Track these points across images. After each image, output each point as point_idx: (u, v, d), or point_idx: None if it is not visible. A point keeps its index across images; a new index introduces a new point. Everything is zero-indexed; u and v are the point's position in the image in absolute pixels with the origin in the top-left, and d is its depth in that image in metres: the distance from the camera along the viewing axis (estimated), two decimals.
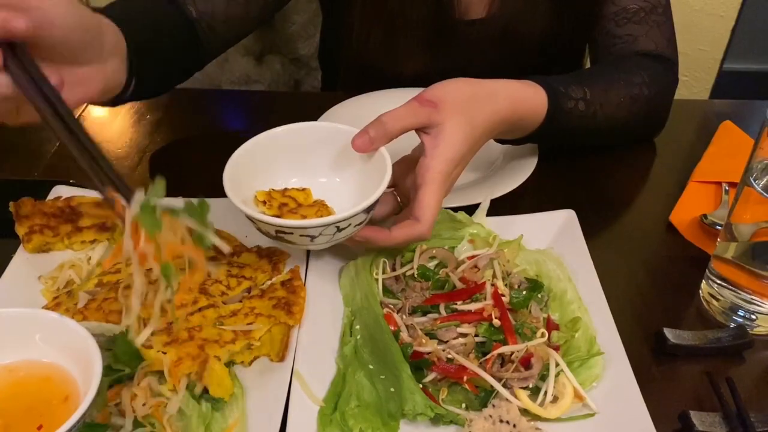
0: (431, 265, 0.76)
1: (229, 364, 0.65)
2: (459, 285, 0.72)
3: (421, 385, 0.63)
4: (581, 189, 0.94)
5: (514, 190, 0.88)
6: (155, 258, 0.57)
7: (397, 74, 1.09)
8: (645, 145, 1.04)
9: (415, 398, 0.61)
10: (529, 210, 0.83)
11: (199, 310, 0.68)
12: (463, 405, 0.63)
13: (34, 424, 0.53)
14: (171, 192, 0.87)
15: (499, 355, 0.64)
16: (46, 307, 0.68)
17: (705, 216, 0.85)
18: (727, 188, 0.91)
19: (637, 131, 1.02)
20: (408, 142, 0.77)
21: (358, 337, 0.67)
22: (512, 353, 0.64)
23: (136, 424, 0.58)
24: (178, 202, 0.62)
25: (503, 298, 0.69)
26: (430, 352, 0.64)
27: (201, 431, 0.59)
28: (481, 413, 0.61)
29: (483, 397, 0.63)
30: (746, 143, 0.97)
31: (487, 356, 0.64)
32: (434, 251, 0.77)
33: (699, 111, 1.13)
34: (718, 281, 0.74)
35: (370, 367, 0.65)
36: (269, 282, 0.74)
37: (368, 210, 0.69)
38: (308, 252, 0.77)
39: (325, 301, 0.72)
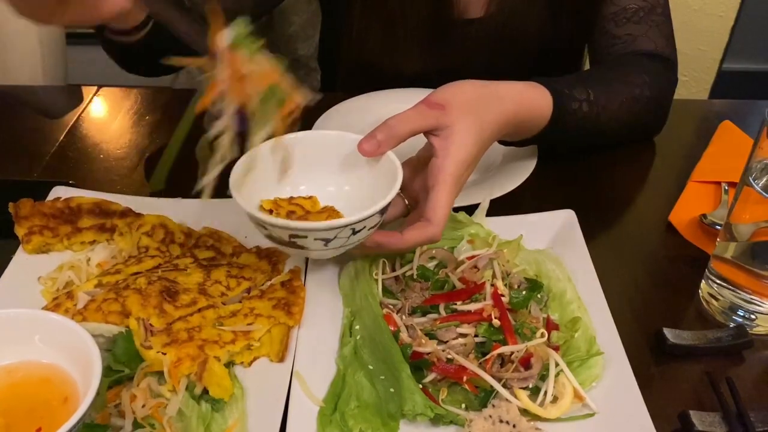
0: (431, 265, 0.76)
1: (229, 364, 0.65)
2: (459, 285, 0.72)
3: (420, 386, 0.63)
4: (581, 189, 0.94)
5: (513, 190, 0.88)
6: (245, 92, 0.60)
7: (396, 73, 1.09)
8: (644, 144, 1.04)
9: (415, 398, 0.61)
10: (528, 210, 0.83)
11: (199, 310, 0.68)
12: (463, 405, 0.63)
13: (33, 425, 0.53)
14: (170, 192, 0.88)
15: (499, 355, 0.64)
16: (45, 308, 0.68)
17: (704, 216, 0.85)
18: (726, 188, 0.91)
19: (638, 131, 1.02)
20: (413, 143, 0.76)
21: (358, 337, 0.67)
22: (512, 353, 0.64)
23: (136, 425, 0.58)
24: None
25: (503, 298, 0.69)
26: (429, 353, 0.64)
27: None
28: (481, 413, 0.61)
29: (483, 397, 0.63)
30: (745, 143, 0.97)
31: (487, 356, 0.64)
32: (434, 251, 0.77)
33: (698, 111, 1.13)
34: (718, 281, 0.74)
35: (370, 367, 0.65)
36: (269, 282, 0.74)
37: (382, 212, 0.68)
38: None
39: (324, 301, 0.72)
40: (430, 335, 0.67)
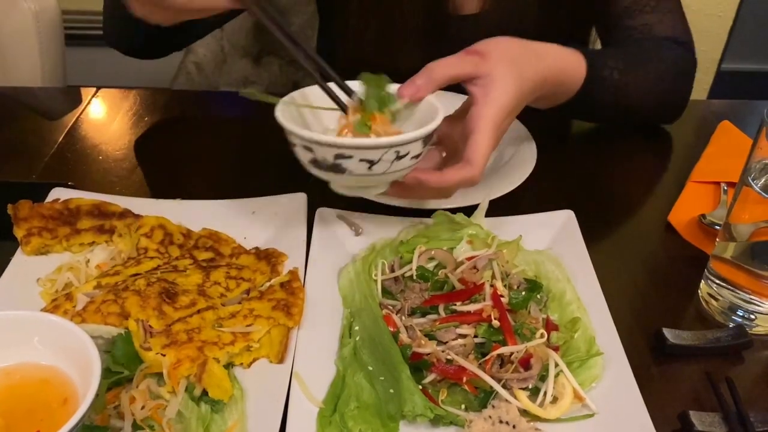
0: (430, 266, 0.76)
1: (229, 365, 0.65)
2: (458, 286, 0.72)
3: (420, 387, 0.63)
4: (580, 189, 0.94)
5: (512, 190, 0.88)
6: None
7: (392, 70, 1.09)
8: (643, 145, 1.04)
9: (415, 399, 0.61)
10: (527, 210, 0.83)
11: (198, 312, 0.68)
12: (463, 406, 0.63)
13: (32, 426, 0.52)
14: (169, 194, 0.88)
15: (499, 355, 0.64)
16: (44, 310, 0.68)
17: (704, 216, 0.85)
18: (725, 188, 0.91)
19: (661, 111, 1.04)
20: None
21: (358, 338, 0.67)
22: (511, 354, 0.64)
23: (135, 426, 0.58)
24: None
25: (502, 298, 0.69)
26: (429, 353, 0.64)
27: None
28: (481, 414, 0.61)
29: (482, 398, 0.63)
30: (744, 143, 0.97)
31: (487, 357, 0.64)
32: (433, 252, 0.77)
33: (697, 111, 1.13)
34: (717, 281, 0.74)
35: (370, 368, 0.64)
36: (268, 283, 0.74)
37: (425, 141, 0.68)
38: (307, 253, 0.77)
39: (324, 302, 0.72)
40: (430, 336, 0.67)
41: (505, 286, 0.71)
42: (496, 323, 0.66)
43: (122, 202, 0.83)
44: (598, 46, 1.17)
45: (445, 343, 0.66)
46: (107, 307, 0.66)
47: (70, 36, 1.48)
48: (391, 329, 0.67)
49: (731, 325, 0.73)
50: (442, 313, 0.69)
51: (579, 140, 1.06)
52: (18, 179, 0.93)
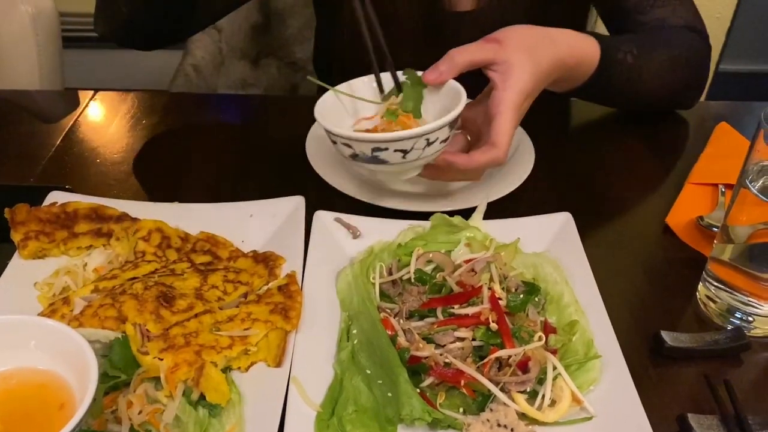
0: (428, 269, 0.76)
1: (226, 369, 0.65)
2: (456, 289, 0.72)
3: (418, 390, 0.63)
4: (578, 192, 0.94)
5: (510, 193, 0.88)
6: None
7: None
8: (641, 147, 1.04)
9: (413, 403, 0.60)
10: (525, 213, 0.83)
11: (196, 315, 0.67)
12: (461, 409, 0.63)
13: (29, 431, 0.52)
14: (167, 197, 0.88)
15: (497, 359, 0.64)
16: (41, 314, 0.68)
17: (701, 218, 0.85)
18: (723, 190, 0.91)
19: (676, 96, 1.06)
20: None
21: (355, 341, 0.67)
22: (509, 357, 0.64)
23: (133, 431, 0.58)
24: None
25: (500, 301, 0.69)
26: (427, 357, 0.64)
27: None
28: (479, 417, 0.60)
29: (480, 401, 0.63)
30: (742, 145, 0.97)
31: (485, 360, 0.64)
32: (431, 255, 0.77)
33: (695, 112, 1.13)
34: (715, 283, 0.74)
35: (368, 371, 0.64)
36: (266, 287, 0.74)
37: (451, 125, 0.75)
38: (305, 256, 0.77)
39: (322, 305, 0.72)
40: (428, 339, 0.67)
41: (503, 288, 0.71)
42: (494, 326, 0.66)
43: (120, 205, 0.83)
44: None
45: (443, 346, 0.66)
46: (104, 311, 0.66)
47: (68, 38, 1.48)
48: (389, 332, 0.67)
49: (729, 327, 0.73)
50: (440, 316, 0.69)
51: (576, 143, 1.06)
52: (15, 182, 0.92)
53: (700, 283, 0.77)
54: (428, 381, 0.64)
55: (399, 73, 0.84)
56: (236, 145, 1.04)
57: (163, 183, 0.94)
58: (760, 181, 0.68)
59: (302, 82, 1.63)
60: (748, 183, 0.68)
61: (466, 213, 0.83)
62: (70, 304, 0.68)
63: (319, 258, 0.77)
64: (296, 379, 0.64)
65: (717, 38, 1.96)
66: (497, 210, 0.84)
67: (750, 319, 0.72)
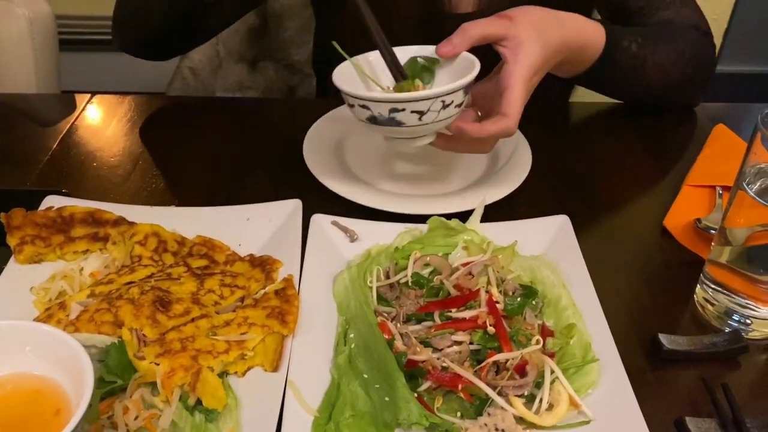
0: (425, 272, 0.76)
1: (223, 374, 0.65)
2: (453, 292, 0.72)
3: (415, 394, 0.63)
4: (575, 194, 0.94)
5: (507, 196, 0.88)
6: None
7: None
8: (638, 149, 1.04)
9: (410, 407, 0.60)
10: (522, 216, 0.83)
11: (192, 320, 0.67)
12: (458, 413, 0.62)
13: None
14: (164, 201, 0.88)
15: (494, 362, 0.64)
16: (37, 319, 0.68)
17: (699, 220, 0.85)
18: (720, 192, 0.91)
19: (680, 90, 1.07)
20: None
21: (353, 346, 0.67)
22: (507, 361, 0.64)
23: None
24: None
25: (498, 305, 0.69)
26: (424, 361, 0.64)
27: None
28: (477, 422, 0.60)
29: (478, 405, 0.62)
30: (739, 146, 0.96)
31: (482, 364, 0.64)
32: (428, 258, 0.76)
33: (692, 114, 1.13)
34: (713, 286, 0.74)
35: (365, 376, 0.64)
36: (263, 291, 0.73)
37: (466, 90, 0.77)
38: (302, 259, 0.77)
39: (319, 309, 0.72)
40: (425, 343, 0.66)
41: (500, 292, 0.71)
42: (491, 330, 0.66)
43: (116, 209, 0.82)
44: None
45: (441, 350, 0.66)
46: (101, 315, 0.66)
47: (64, 41, 1.48)
48: (386, 336, 0.67)
49: (727, 330, 0.73)
50: (438, 320, 0.69)
51: (574, 145, 1.06)
52: (11, 187, 0.92)
53: (698, 286, 0.77)
54: (425, 385, 0.64)
55: (413, 51, 0.85)
56: (233, 148, 1.03)
57: (160, 186, 0.93)
58: (758, 184, 0.68)
59: (300, 85, 1.63)
60: (745, 185, 0.68)
61: (464, 216, 0.83)
62: (66, 308, 0.68)
63: (316, 262, 0.77)
64: (293, 383, 0.64)
65: (714, 40, 1.96)
66: (494, 213, 0.84)
67: (748, 321, 0.72)
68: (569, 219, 0.82)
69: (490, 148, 0.86)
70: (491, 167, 0.96)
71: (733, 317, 0.73)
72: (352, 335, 0.68)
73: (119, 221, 0.80)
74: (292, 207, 0.83)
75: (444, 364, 0.64)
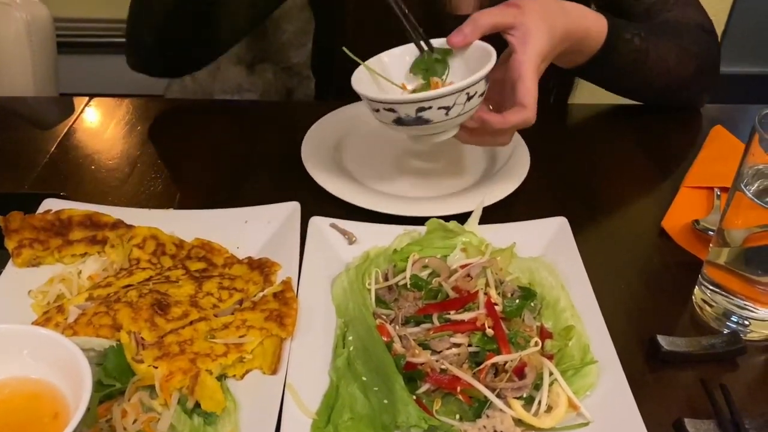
0: (424, 274, 0.76)
1: (221, 377, 0.65)
2: (452, 294, 0.72)
3: (414, 397, 0.63)
4: (573, 196, 0.94)
5: (506, 197, 0.88)
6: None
7: None
8: (636, 150, 1.05)
9: (409, 410, 0.60)
10: (521, 218, 0.83)
11: (191, 323, 0.67)
12: (457, 416, 0.62)
13: None
14: (162, 204, 0.88)
15: (493, 364, 0.64)
16: (35, 323, 0.67)
17: (697, 221, 0.85)
18: (718, 193, 0.91)
19: (686, 86, 1.06)
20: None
21: (351, 348, 0.67)
22: (506, 363, 0.64)
23: None
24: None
25: (496, 307, 0.69)
26: (423, 363, 0.64)
27: None
28: (475, 424, 0.60)
29: (477, 407, 0.62)
30: (737, 148, 0.97)
31: (481, 366, 0.64)
32: (427, 260, 0.76)
33: (690, 116, 1.13)
34: (711, 287, 0.74)
35: (364, 378, 0.64)
36: (261, 294, 0.73)
37: (487, 79, 0.78)
38: (300, 262, 0.77)
39: (317, 312, 0.72)
40: (424, 345, 0.66)
41: (498, 294, 0.71)
42: (490, 332, 0.66)
43: (114, 212, 0.82)
44: None
45: (439, 352, 0.66)
46: (99, 319, 0.65)
47: (62, 44, 1.48)
48: (385, 339, 0.67)
49: (725, 331, 0.73)
50: (436, 322, 0.69)
51: (572, 146, 1.06)
52: (9, 190, 0.92)
53: (696, 287, 0.77)
54: (424, 387, 0.64)
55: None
56: (231, 150, 1.03)
57: (158, 189, 0.93)
58: (755, 185, 0.68)
59: (298, 87, 1.63)
60: (743, 187, 0.68)
61: (462, 218, 0.83)
62: (64, 312, 0.68)
63: (315, 264, 0.77)
64: (292, 386, 0.64)
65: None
66: (493, 215, 0.84)
67: (746, 322, 0.72)
68: (567, 221, 0.82)
69: (509, 140, 0.87)
70: (490, 169, 0.96)
71: (732, 318, 0.73)
72: (350, 338, 0.68)
73: (117, 224, 0.80)
74: (291, 209, 0.83)
75: (443, 367, 0.64)
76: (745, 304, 0.72)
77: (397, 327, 0.69)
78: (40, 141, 1.04)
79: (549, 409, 0.62)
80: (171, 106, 1.18)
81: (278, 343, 0.67)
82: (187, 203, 0.89)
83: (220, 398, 0.61)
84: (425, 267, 0.76)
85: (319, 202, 0.87)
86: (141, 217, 0.82)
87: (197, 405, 0.61)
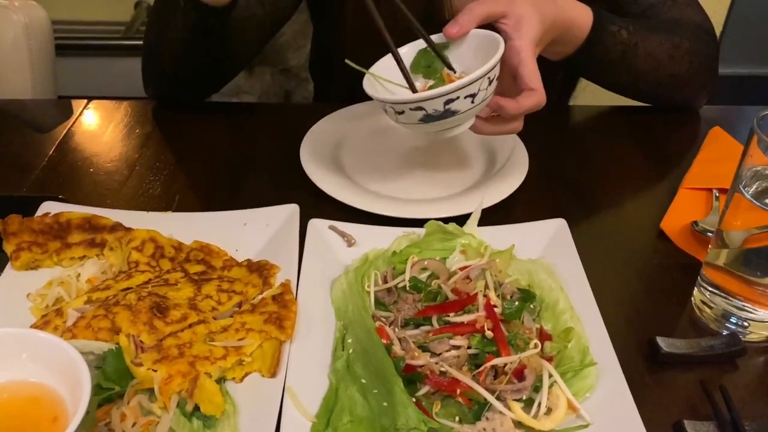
0: (423, 276, 0.76)
1: (221, 380, 0.64)
2: (451, 296, 0.71)
3: (414, 399, 0.63)
4: (572, 198, 0.94)
5: (505, 199, 0.88)
6: None
7: None
8: (635, 152, 1.05)
9: (408, 412, 0.60)
10: (520, 219, 0.83)
11: (190, 326, 0.67)
12: (457, 418, 0.62)
13: None
14: (161, 206, 0.88)
15: (492, 367, 0.64)
16: (34, 326, 0.67)
17: (696, 223, 0.85)
18: (717, 195, 0.91)
19: (682, 84, 1.06)
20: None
21: (351, 351, 0.67)
22: (505, 365, 0.64)
23: None
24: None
25: (495, 309, 0.69)
26: (422, 365, 0.64)
27: None
28: (475, 426, 0.60)
29: (476, 410, 0.62)
30: (735, 149, 0.97)
31: (480, 368, 0.64)
32: (426, 262, 0.76)
33: (688, 117, 1.14)
34: (710, 288, 0.74)
35: (363, 381, 0.64)
36: (260, 296, 0.73)
37: (500, 62, 0.79)
38: (299, 265, 0.77)
39: (316, 314, 0.72)
40: (423, 348, 0.66)
41: (498, 296, 0.71)
42: (489, 334, 0.66)
43: (113, 215, 0.82)
44: None
45: (439, 354, 0.66)
46: (98, 322, 0.65)
47: (61, 46, 1.48)
48: (385, 341, 0.67)
49: (725, 332, 0.73)
50: (436, 324, 0.69)
51: (571, 148, 1.06)
52: (8, 193, 0.92)
53: (695, 289, 0.77)
54: (424, 390, 0.64)
55: (420, 43, 0.87)
56: (230, 153, 1.03)
57: (157, 192, 0.93)
58: (754, 186, 0.68)
59: (296, 89, 1.63)
60: (741, 188, 0.68)
61: (461, 220, 0.83)
62: (63, 315, 0.68)
63: (314, 266, 0.77)
64: (291, 389, 0.63)
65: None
66: (492, 217, 0.84)
67: (745, 324, 0.72)
68: (566, 222, 0.82)
69: (521, 126, 0.87)
70: (488, 171, 0.96)
71: (731, 320, 0.73)
72: (350, 340, 0.68)
73: (116, 227, 0.80)
74: (290, 212, 0.83)
75: (442, 369, 0.64)
76: (744, 306, 0.72)
77: (396, 329, 0.69)
78: (39, 144, 1.04)
79: (548, 411, 0.62)
80: (169, 108, 1.18)
81: (277, 346, 0.67)
82: (185, 206, 0.89)
83: (220, 401, 0.61)
84: (424, 269, 0.76)
85: (318, 204, 0.87)
86: (140, 220, 0.82)
87: (196, 408, 0.61)
